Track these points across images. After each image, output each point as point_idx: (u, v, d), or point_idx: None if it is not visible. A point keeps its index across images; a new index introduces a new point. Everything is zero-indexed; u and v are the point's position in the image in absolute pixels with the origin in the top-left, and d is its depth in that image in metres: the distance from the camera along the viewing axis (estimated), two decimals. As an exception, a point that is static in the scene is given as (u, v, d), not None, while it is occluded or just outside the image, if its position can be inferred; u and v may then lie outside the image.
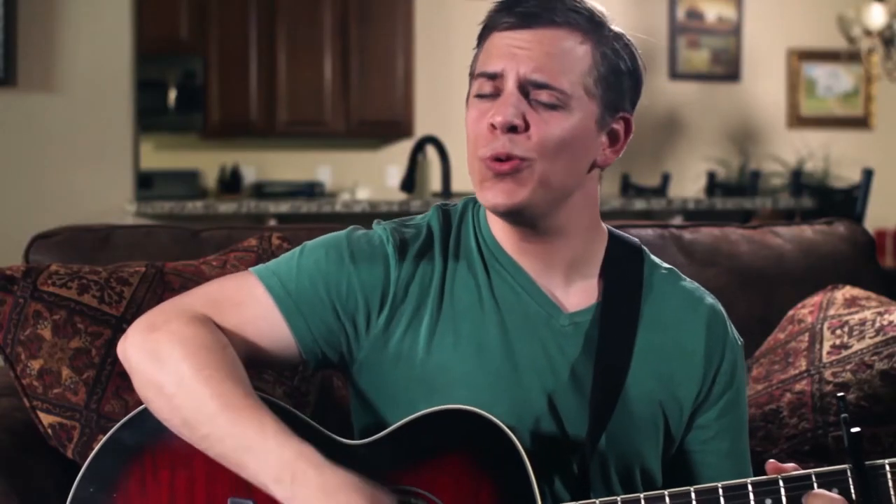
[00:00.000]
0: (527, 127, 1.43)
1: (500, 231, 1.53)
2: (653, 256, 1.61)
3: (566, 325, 1.51)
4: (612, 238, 1.58)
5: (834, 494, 1.34)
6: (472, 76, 1.51)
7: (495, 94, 1.45)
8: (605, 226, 1.59)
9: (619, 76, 1.49)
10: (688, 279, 1.61)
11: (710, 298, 1.60)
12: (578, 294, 1.53)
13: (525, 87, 1.44)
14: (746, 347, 1.65)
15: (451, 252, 1.53)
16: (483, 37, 1.52)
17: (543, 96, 1.43)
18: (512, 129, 1.42)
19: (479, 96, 1.47)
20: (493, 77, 1.46)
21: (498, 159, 1.43)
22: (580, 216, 1.51)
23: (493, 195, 1.45)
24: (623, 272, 1.55)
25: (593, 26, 1.47)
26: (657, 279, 1.58)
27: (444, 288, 1.50)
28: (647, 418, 1.52)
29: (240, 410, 1.36)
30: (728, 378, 1.57)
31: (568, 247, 1.51)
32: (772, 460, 1.40)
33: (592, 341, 1.51)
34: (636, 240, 1.60)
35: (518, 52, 1.44)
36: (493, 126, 1.43)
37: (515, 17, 1.46)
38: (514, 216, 1.47)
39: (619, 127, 1.51)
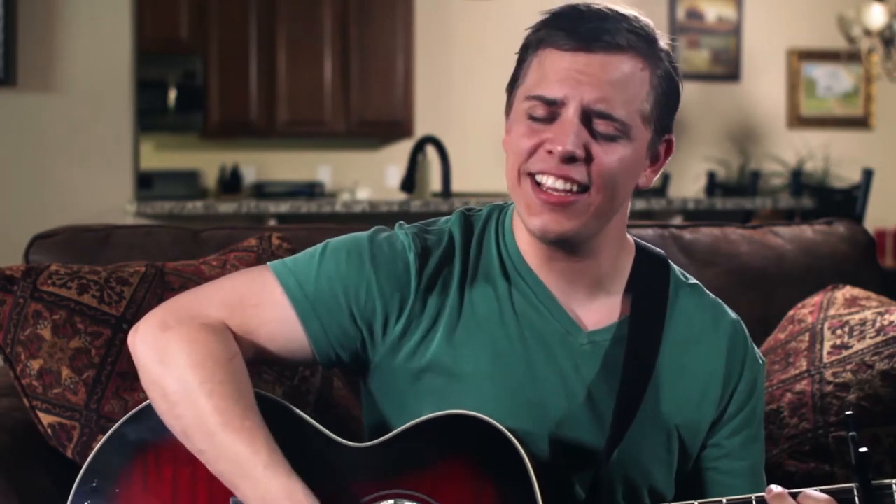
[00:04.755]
0: (587, 157, 1.39)
1: (526, 245, 1.50)
2: (677, 270, 1.58)
3: (584, 343, 1.49)
4: (639, 251, 1.55)
5: (823, 495, 1.34)
6: (516, 89, 1.45)
7: (550, 119, 1.40)
8: (631, 238, 1.56)
9: (669, 99, 1.46)
10: (710, 294, 1.59)
11: (732, 315, 1.57)
12: (600, 311, 1.51)
13: (587, 116, 1.39)
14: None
15: (472, 262, 1.50)
16: (532, 49, 1.44)
17: (604, 127, 1.39)
18: (571, 158, 1.39)
19: (533, 118, 1.41)
20: (552, 103, 1.40)
21: (552, 188, 1.40)
22: (611, 236, 1.49)
23: (543, 223, 1.41)
24: (649, 290, 1.52)
25: (650, 48, 1.43)
26: (681, 296, 1.55)
27: (462, 298, 1.48)
28: (661, 441, 1.50)
29: (237, 433, 1.36)
30: (745, 397, 1.55)
31: (596, 265, 1.49)
32: (772, 486, 1.39)
33: (611, 361, 1.48)
34: (662, 252, 1.58)
35: (581, 78, 1.39)
36: (550, 152, 1.39)
37: (576, 38, 1.40)
38: (559, 243, 1.44)
39: (662, 148, 1.49)
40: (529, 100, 1.42)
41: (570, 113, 1.39)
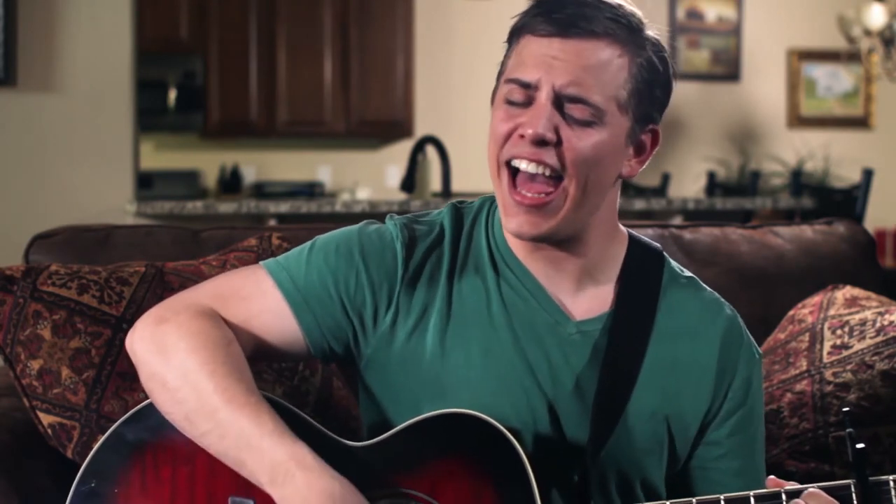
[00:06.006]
0: (558, 141, 1.40)
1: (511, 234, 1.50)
2: (673, 263, 1.58)
3: (573, 333, 1.49)
4: (633, 243, 1.55)
5: (831, 498, 1.34)
6: (501, 77, 1.47)
7: (527, 103, 1.42)
8: (624, 230, 1.56)
9: (652, 88, 1.45)
10: (708, 288, 1.58)
11: (728, 310, 1.57)
12: (589, 301, 1.51)
13: (559, 100, 1.40)
14: (747, 347, 1.63)
15: (461, 253, 1.51)
16: (515, 37, 1.46)
17: (577, 112, 1.40)
18: (542, 142, 1.40)
19: (510, 102, 1.43)
20: (527, 86, 1.41)
21: (526, 189, 1.41)
22: (599, 226, 1.49)
23: (518, 224, 1.43)
24: (641, 280, 1.52)
25: (632, 36, 1.43)
26: (675, 288, 1.55)
27: (451, 289, 1.49)
28: (651, 433, 1.49)
29: (241, 408, 1.36)
30: (741, 394, 1.54)
31: (582, 254, 1.49)
32: (772, 476, 1.39)
33: (601, 351, 1.48)
34: (658, 245, 1.58)
35: (554, 63, 1.40)
36: (521, 136, 1.41)
37: (553, 24, 1.41)
38: (538, 240, 1.46)
39: (646, 139, 1.49)
40: (507, 83, 1.44)
41: (543, 97, 1.40)
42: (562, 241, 1.47)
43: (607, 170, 1.44)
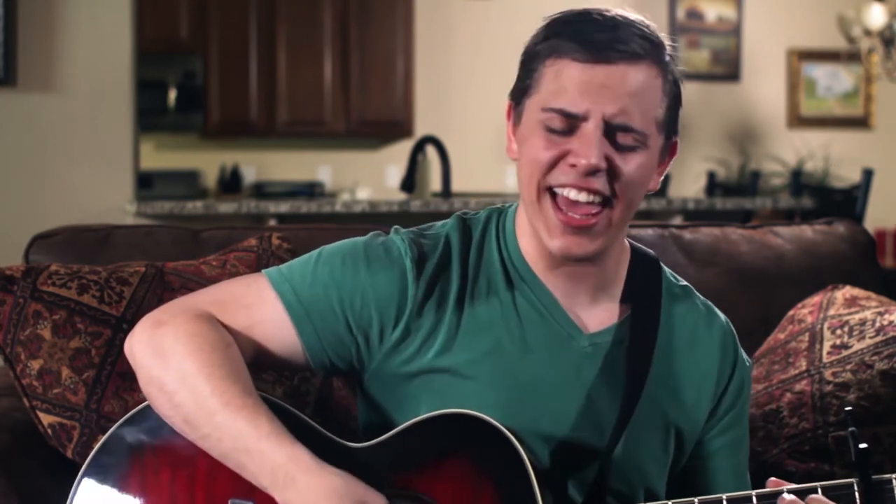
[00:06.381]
0: (609, 168, 1.39)
1: (530, 249, 1.49)
2: (667, 271, 1.59)
3: (586, 346, 1.49)
4: (634, 253, 1.55)
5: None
6: (527, 100, 1.43)
7: (569, 130, 1.39)
8: (625, 240, 1.56)
9: (677, 102, 1.45)
10: (700, 295, 1.59)
11: (722, 317, 1.58)
12: (601, 314, 1.51)
13: (609, 129, 1.38)
14: (746, 347, 1.64)
15: (472, 266, 1.49)
16: (543, 59, 1.42)
17: (625, 139, 1.38)
18: (594, 171, 1.38)
19: (550, 130, 1.40)
20: (573, 117, 1.38)
21: (575, 202, 1.39)
22: (619, 241, 1.50)
23: (565, 245, 1.41)
24: (644, 290, 1.53)
25: (661, 54, 1.41)
26: (675, 298, 1.55)
27: (462, 304, 1.47)
28: (659, 441, 1.50)
29: (238, 410, 1.36)
30: (733, 398, 1.56)
31: (601, 269, 1.49)
32: (773, 478, 1.39)
33: (611, 363, 1.48)
34: (652, 252, 1.58)
35: (602, 91, 1.37)
36: (572, 165, 1.38)
37: (592, 49, 1.37)
38: (583, 259, 1.44)
39: (666, 151, 1.48)
40: (547, 112, 1.40)
41: (592, 126, 1.37)
42: (585, 259, 1.46)
43: (644, 188, 1.45)
